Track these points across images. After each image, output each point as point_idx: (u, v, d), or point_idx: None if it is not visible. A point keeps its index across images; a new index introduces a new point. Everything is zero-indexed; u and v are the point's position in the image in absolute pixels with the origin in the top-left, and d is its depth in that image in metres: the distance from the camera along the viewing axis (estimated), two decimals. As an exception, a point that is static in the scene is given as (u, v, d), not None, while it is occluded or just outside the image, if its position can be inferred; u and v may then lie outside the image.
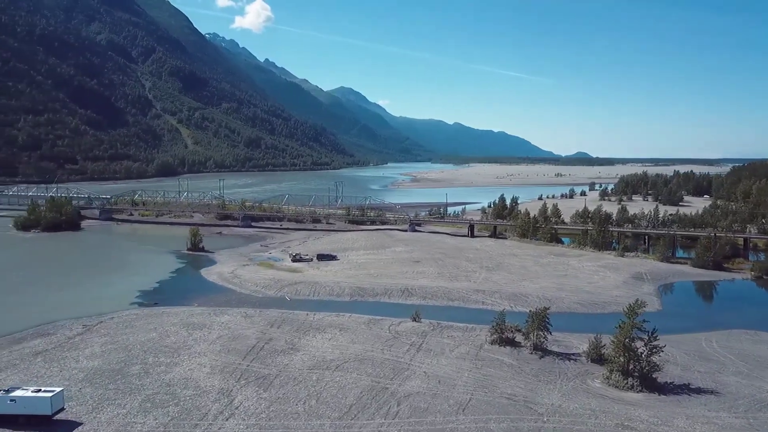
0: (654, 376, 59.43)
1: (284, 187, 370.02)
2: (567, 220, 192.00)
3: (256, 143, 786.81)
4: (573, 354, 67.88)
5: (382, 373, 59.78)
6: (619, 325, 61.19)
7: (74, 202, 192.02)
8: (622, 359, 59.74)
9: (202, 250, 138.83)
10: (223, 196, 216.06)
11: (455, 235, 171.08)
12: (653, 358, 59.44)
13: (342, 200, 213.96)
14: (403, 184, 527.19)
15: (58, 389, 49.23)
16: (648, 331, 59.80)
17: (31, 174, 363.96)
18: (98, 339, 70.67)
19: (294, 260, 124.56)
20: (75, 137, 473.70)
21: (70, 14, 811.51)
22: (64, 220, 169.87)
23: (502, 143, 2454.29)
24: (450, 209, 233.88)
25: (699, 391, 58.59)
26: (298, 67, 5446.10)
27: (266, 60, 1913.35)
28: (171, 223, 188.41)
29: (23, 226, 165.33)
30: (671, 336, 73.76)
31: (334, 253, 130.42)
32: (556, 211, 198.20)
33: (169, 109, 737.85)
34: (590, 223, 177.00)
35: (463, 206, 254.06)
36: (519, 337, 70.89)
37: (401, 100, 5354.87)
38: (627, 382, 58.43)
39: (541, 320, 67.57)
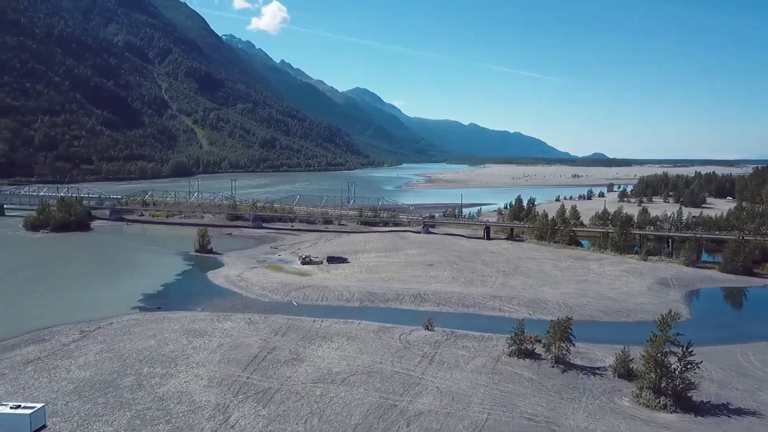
0: (689, 394, 54.37)
1: (298, 187, 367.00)
2: (586, 222, 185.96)
3: (271, 144, 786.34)
4: (598, 368, 62.86)
5: (391, 389, 55.36)
6: (651, 338, 56.09)
7: (85, 203, 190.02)
8: (653, 375, 54.66)
9: (211, 251, 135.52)
10: (234, 197, 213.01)
11: (470, 237, 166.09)
12: (688, 375, 54.33)
13: (354, 201, 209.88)
14: (418, 185, 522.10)
15: (38, 405, 45.59)
16: (682, 345, 54.73)
17: (46, 174, 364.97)
18: (94, 346, 67.18)
19: (303, 263, 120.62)
20: (91, 137, 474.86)
21: (89, 16, 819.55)
22: (73, 220, 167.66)
23: (518, 144, 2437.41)
24: (465, 210, 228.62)
25: (739, 411, 53.38)
26: (313, 68, 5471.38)
27: (282, 61, 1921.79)
28: (181, 224, 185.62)
29: (32, 226, 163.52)
30: (703, 348, 67.89)
31: (345, 256, 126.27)
32: (575, 213, 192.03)
33: (185, 109, 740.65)
34: (610, 226, 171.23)
35: (479, 207, 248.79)
36: (539, 349, 66.15)
37: (416, 100, 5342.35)
38: (659, 401, 53.34)
39: (563, 331, 62.71)
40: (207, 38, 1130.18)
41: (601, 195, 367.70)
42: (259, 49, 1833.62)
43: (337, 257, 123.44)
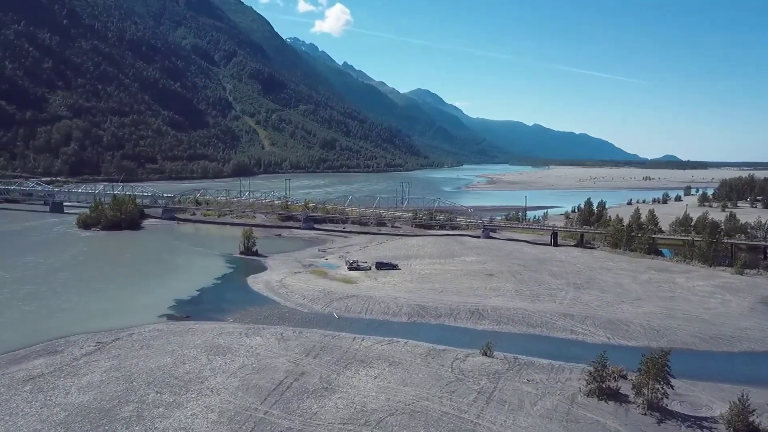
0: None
1: (355, 188, 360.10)
2: (664, 228, 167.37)
3: (331, 145, 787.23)
4: (705, 419, 49.39)
5: (438, 437, 44.38)
6: (784, 388, 42.52)
7: (138, 201, 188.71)
8: (788, 438, 41.20)
9: (255, 253, 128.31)
10: (287, 197, 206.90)
11: (535, 244, 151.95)
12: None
13: (408, 202, 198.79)
14: (478, 186, 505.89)
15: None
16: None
17: (113, 173, 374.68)
18: (105, 362, 59.72)
19: (350, 268, 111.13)
20: (156, 137, 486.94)
21: (159, 20, 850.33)
22: (124, 218, 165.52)
23: (584, 145, 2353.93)
24: (529, 214, 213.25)
25: None
26: (375, 70, 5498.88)
27: (344, 63, 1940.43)
28: (232, 224, 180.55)
29: (84, 224, 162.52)
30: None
31: (395, 262, 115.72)
32: (653, 218, 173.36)
33: (248, 110, 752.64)
34: (693, 233, 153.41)
35: (545, 211, 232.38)
36: (625, 387, 53.38)
37: (479, 101, 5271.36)
38: (798, 476, 39.88)
39: (659, 368, 49.62)
40: (271, 41, 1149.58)
41: (678, 199, 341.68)
42: (322, 51, 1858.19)
43: (387, 263, 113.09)
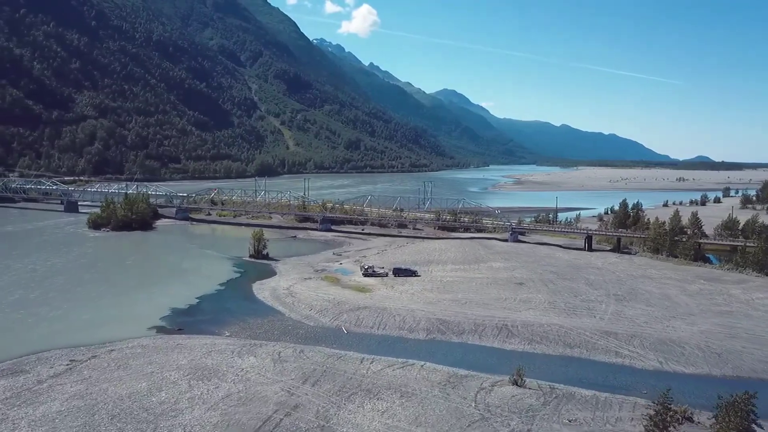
0: None
1: (379, 188, 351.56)
2: (707, 232, 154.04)
3: (355, 145, 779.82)
4: (803, 482, 38.76)
5: (457, 504, 34.71)
6: None
7: (152, 201, 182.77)
8: None
9: (266, 257, 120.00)
10: (305, 197, 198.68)
11: (568, 248, 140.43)
12: None
13: (431, 202, 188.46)
14: (505, 187, 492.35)
15: None
16: None
17: (136, 172, 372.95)
18: (71, 387, 51.46)
19: (365, 274, 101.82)
20: (181, 137, 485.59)
21: (186, 21, 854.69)
22: (135, 218, 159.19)
23: (613, 146, 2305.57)
24: (560, 216, 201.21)
25: None
26: (401, 71, 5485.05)
27: (371, 64, 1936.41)
28: (247, 225, 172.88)
29: (94, 224, 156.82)
30: None
31: (414, 268, 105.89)
32: (696, 221, 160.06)
33: (273, 110, 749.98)
34: (740, 237, 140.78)
35: (576, 212, 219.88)
36: (692, 434, 42.95)
37: (506, 101, 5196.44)
38: None
39: (743, 416, 39.10)
40: (298, 42, 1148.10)
41: (717, 200, 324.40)
42: (349, 52, 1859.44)
43: (405, 269, 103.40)
